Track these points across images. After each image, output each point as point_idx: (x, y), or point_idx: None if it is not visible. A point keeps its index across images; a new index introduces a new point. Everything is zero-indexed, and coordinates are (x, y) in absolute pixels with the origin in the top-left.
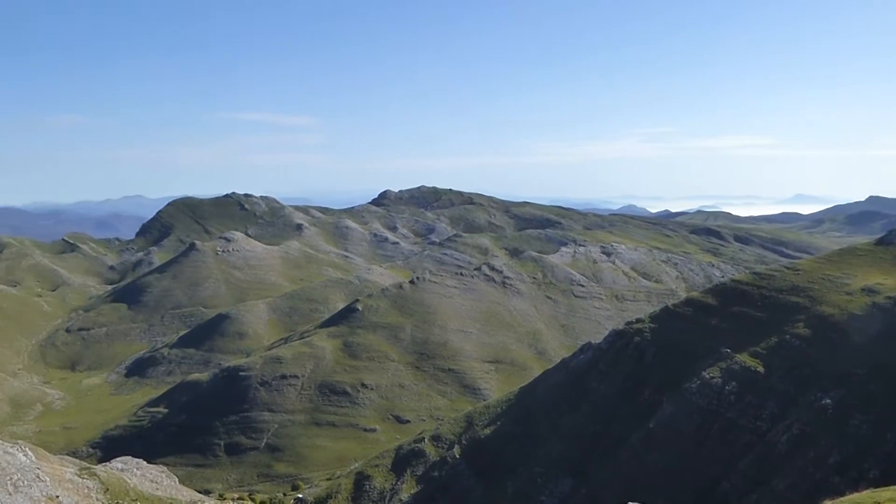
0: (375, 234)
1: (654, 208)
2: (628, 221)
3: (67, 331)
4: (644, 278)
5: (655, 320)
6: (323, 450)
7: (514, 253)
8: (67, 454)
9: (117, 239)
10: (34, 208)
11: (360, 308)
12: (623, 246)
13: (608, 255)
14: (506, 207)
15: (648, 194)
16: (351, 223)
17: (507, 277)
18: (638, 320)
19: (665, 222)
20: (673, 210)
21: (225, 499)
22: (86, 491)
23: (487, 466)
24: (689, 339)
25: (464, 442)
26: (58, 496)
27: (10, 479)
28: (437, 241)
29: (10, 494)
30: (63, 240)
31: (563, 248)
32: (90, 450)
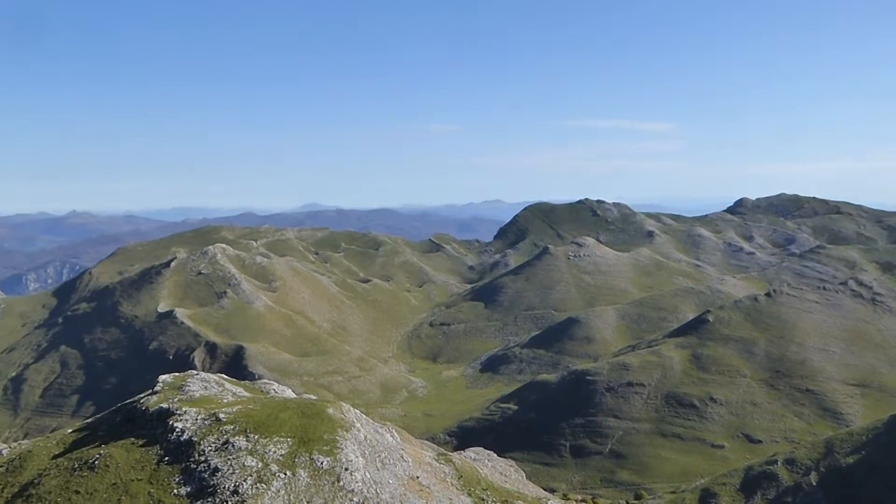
0: (729, 244)
1: None
2: None
3: (430, 325)
4: None
5: None
6: (667, 461)
7: (887, 268)
8: (427, 439)
9: (477, 241)
10: (406, 210)
11: (710, 319)
12: None
13: None
14: (878, 217)
15: None
16: (704, 231)
17: (878, 294)
18: None
19: None
20: None
21: (569, 499)
22: (442, 475)
23: (848, 498)
24: None
25: (822, 469)
26: (418, 477)
27: (379, 456)
28: (798, 252)
29: (377, 470)
30: (430, 240)
31: None
32: (447, 437)
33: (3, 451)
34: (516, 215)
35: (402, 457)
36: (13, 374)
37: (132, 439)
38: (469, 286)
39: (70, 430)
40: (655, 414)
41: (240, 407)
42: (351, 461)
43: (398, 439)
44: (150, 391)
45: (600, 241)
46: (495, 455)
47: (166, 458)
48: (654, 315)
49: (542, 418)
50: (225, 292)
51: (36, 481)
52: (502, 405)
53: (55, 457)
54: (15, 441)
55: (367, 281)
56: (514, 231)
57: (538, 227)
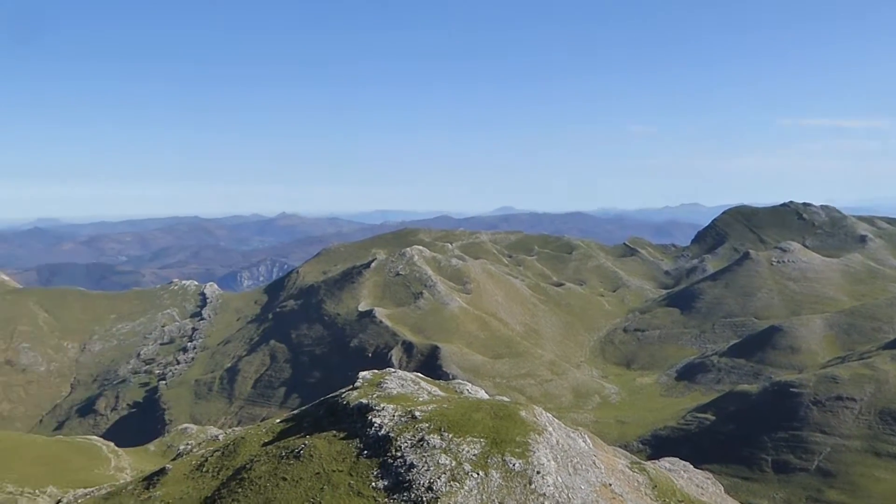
0: None
1: None
2: None
3: (624, 330)
4: None
5: None
6: (882, 482)
7: None
8: (619, 446)
9: (673, 245)
10: (600, 213)
11: None
12: None
13: None
14: None
15: None
16: None
17: None
18: None
19: None
20: None
21: None
22: (635, 484)
23: None
24: None
25: None
26: (610, 484)
27: (571, 461)
28: None
29: (569, 475)
30: (625, 244)
31: None
32: (640, 445)
33: (220, 437)
34: (715, 219)
35: (594, 463)
36: (228, 365)
37: (334, 432)
38: (664, 291)
39: (278, 420)
40: (868, 431)
41: (435, 406)
42: (543, 464)
43: (590, 445)
44: (351, 386)
45: (806, 246)
46: (691, 466)
47: (365, 452)
48: (866, 325)
49: (742, 430)
50: (421, 293)
51: (248, 466)
52: (699, 415)
53: (265, 444)
54: (230, 427)
55: (559, 285)
56: (712, 235)
57: (739, 231)
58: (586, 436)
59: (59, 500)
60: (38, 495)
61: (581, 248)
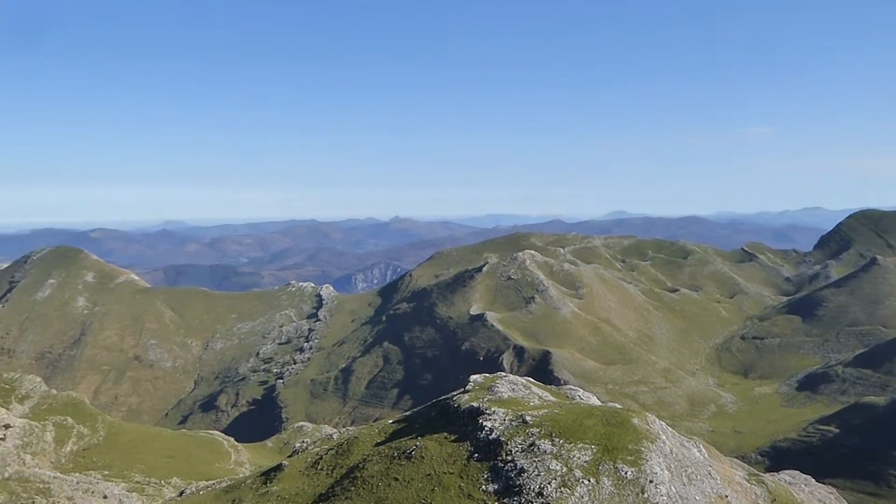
0: None
1: None
2: None
3: (742, 338)
4: None
5: None
6: None
7: None
8: (736, 457)
9: (794, 250)
10: (717, 217)
11: None
12: None
13: None
14: None
15: None
16: None
17: None
18: None
19: None
20: None
21: None
22: (753, 497)
23: None
24: None
25: None
26: (727, 496)
27: (686, 470)
28: None
29: (684, 485)
30: (742, 249)
31: None
32: (758, 457)
33: (334, 436)
34: (840, 223)
35: (709, 473)
36: (343, 365)
37: (445, 434)
38: (785, 298)
39: (391, 421)
40: None
41: (546, 411)
42: (656, 473)
43: (705, 455)
44: (462, 390)
45: None
46: (813, 480)
47: (476, 455)
48: None
49: (868, 444)
50: (533, 297)
51: (360, 465)
52: (822, 427)
53: (377, 444)
54: (344, 427)
55: (674, 290)
56: (836, 240)
57: (865, 236)
58: (701, 445)
59: (183, 492)
60: (164, 485)
61: (697, 253)
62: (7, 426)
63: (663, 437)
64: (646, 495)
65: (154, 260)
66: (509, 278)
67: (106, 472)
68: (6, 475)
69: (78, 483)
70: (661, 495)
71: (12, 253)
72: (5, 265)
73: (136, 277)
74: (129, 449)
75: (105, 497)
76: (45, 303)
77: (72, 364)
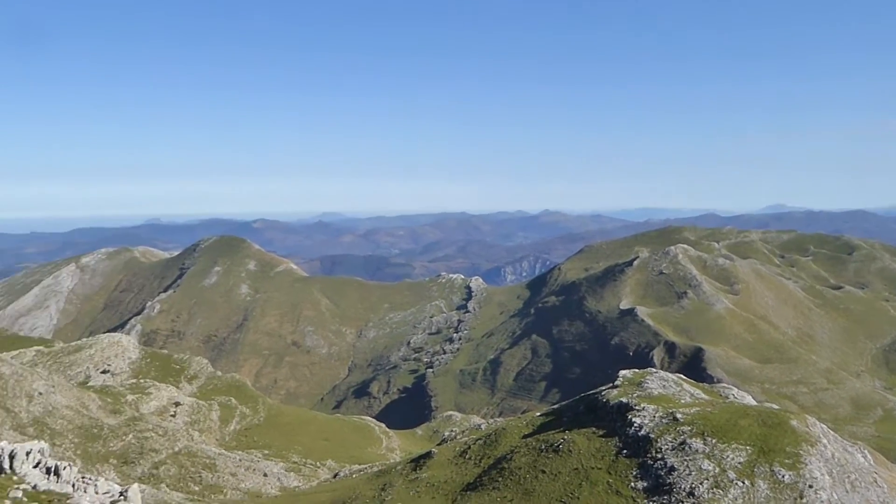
0: None
1: None
2: None
3: None
4: None
5: None
6: None
7: None
8: None
9: None
10: (885, 212)
11: None
12: None
13: None
14: None
15: None
16: None
17: None
18: None
19: None
20: None
21: None
22: None
23: None
24: None
25: None
26: None
27: (848, 476)
28: None
29: (846, 492)
30: None
31: None
32: None
33: (482, 426)
34: None
35: (875, 481)
36: (491, 356)
37: (593, 428)
38: None
39: (538, 414)
40: None
41: (698, 409)
42: (816, 478)
43: (871, 461)
44: (611, 385)
45: None
46: None
47: (624, 451)
48: None
49: None
50: (685, 293)
51: (508, 456)
52: None
53: (525, 436)
54: (492, 417)
55: (838, 287)
56: None
57: None
58: (866, 451)
59: (337, 474)
60: (319, 467)
61: (863, 248)
62: (178, 403)
63: (824, 441)
64: (805, 500)
65: (311, 250)
66: (661, 273)
67: (266, 452)
68: (176, 449)
69: (240, 460)
70: (822, 501)
71: (184, 241)
72: (177, 252)
73: (295, 266)
74: (287, 430)
75: (265, 475)
76: (212, 289)
77: (235, 347)
